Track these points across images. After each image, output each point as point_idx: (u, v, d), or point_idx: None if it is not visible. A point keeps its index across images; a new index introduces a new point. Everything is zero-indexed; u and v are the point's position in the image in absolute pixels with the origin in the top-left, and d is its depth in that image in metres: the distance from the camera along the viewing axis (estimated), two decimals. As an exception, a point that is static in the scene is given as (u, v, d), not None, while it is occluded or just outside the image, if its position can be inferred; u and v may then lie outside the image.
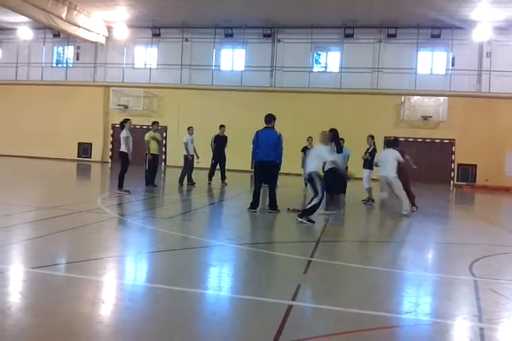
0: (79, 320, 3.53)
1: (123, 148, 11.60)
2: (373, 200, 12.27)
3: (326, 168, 9.83)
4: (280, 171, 10.85)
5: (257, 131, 9.72)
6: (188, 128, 14.84)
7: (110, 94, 24.61)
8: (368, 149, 12.31)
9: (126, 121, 11.90)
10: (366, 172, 12.18)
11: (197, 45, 24.41)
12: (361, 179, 12.16)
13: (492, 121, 21.32)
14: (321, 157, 8.87)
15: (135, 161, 14.20)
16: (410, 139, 22.18)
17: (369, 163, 12.05)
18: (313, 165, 8.78)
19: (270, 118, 9.73)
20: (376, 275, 5.26)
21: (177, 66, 24.36)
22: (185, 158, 14.52)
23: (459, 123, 21.50)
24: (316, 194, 8.62)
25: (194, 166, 14.93)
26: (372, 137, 12.45)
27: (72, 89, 25.02)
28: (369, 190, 12.27)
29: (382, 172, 10.53)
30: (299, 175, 15.99)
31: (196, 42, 24.42)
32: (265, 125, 9.72)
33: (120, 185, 11.44)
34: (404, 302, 4.41)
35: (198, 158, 14.81)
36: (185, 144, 14.48)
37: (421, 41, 22.35)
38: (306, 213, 8.59)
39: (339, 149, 9.68)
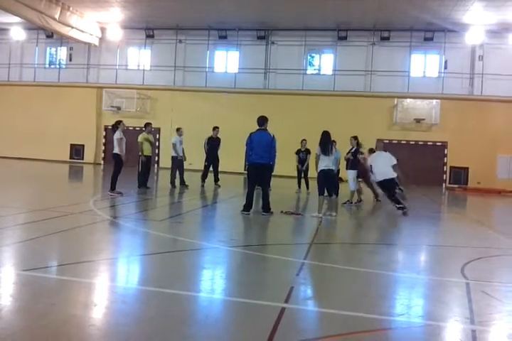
0: (71, 322, 3.50)
1: (116, 150, 11.56)
2: (360, 201, 12.29)
3: (318, 169, 9.85)
4: (273, 173, 10.85)
5: (251, 133, 9.71)
6: (177, 129, 14.78)
7: (103, 95, 24.55)
8: (350, 149, 12.31)
9: (119, 122, 11.86)
10: (351, 173, 12.15)
11: (191, 46, 24.41)
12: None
13: (484, 123, 21.48)
14: (393, 161, 10.79)
15: (127, 163, 14.18)
16: (403, 142, 22.32)
17: (351, 164, 12.09)
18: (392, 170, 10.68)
19: (263, 121, 9.73)
20: (369, 278, 5.27)
21: (170, 68, 24.34)
22: (173, 159, 14.47)
23: (451, 126, 21.64)
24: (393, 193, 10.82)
25: (186, 168, 14.89)
26: (355, 138, 12.43)
27: (64, 90, 24.94)
28: (357, 191, 12.26)
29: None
30: (293, 177, 16.01)
31: (190, 44, 24.42)
32: (258, 127, 9.72)
33: (113, 187, 11.39)
34: (396, 304, 4.42)
35: (185, 159, 14.73)
36: (174, 145, 14.42)
37: (414, 44, 22.49)
38: (398, 205, 10.51)
39: (326, 151, 9.73)
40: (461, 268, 5.70)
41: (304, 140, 15.22)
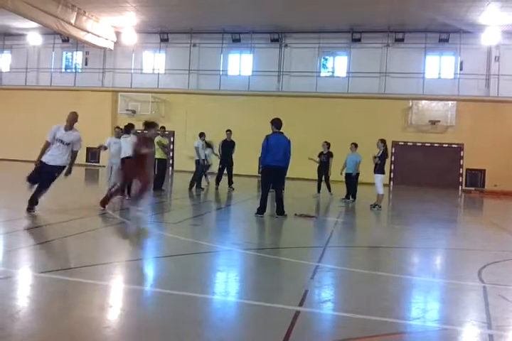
0: (86, 324, 3.53)
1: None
2: (380, 207, 12.15)
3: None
4: (287, 176, 10.84)
5: (267, 136, 9.65)
6: (201, 134, 14.92)
7: (118, 99, 24.78)
8: (377, 153, 12.12)
9: (132, 126, 11.98)
10: (378, 177, 12.00)
11: (204, 50, 24.53)
12: (372, 184, 12.12)
13: (501, 125, 21.22)
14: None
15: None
16: (418, 144, 22.15)
17: (379, 168, 11.93)
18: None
19: (280, 123, 9.68)
20: (384, 281, 5.23)
21: (185, 71, 24.48)
22: (197, 162, 14.57)
23: (467, 128, 21.41)
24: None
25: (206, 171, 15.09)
26: (381, 141, 12.27)
27: (80, 94, 25.21)
28: (382, 195, 12.10)
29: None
30: (306, 179, 15.95)
31: (204, 48, 24.54)
32: (275, 130, 9.66)
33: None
34: (412, 308, 4.38)
35: (208, 163, 14.91)
36: (196, 149, 14.54)
37: (429, 45, 22.32)
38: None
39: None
40: (478, 271, 5.63)
41: (326, 142, 14.98)
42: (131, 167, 9.31)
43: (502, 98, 21.30)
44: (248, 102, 23.28)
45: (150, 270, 5.53)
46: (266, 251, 6.48)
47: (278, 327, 3.61)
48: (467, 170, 21.98)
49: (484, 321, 3.94)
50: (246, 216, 9.82)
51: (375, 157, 11.97)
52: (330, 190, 14.55)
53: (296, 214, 9.80)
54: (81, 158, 25.32)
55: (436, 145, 22.12)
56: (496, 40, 21.00)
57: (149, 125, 9.72)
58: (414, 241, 8.36)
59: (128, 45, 24.78)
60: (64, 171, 8.58)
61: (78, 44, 25.03)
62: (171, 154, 23.21)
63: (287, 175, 10.82)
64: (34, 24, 21.52)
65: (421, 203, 15.02)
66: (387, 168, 13.09)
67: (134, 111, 24.45)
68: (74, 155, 8.52)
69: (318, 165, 14.81)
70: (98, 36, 23.11)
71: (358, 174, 13.44)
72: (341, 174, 13.76)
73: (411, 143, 22.18)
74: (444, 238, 8.74)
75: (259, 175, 11.26)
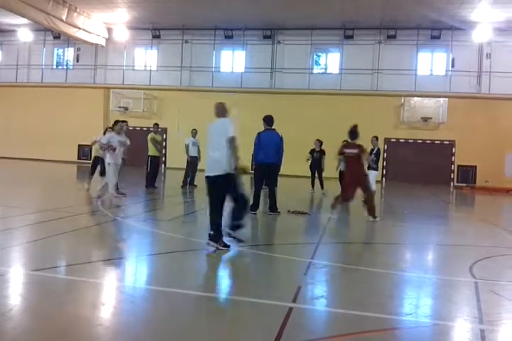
0: (79, 322, 3.53)
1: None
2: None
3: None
4: (280, 173, 10.84)
5: (259, 133, 9.68)
6: (192, 131, 14.85)
7: (110, 95, 24.65)
8: (371, 150, 12.19)
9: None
10: (372, 173, 12.01)
11: (197, 46, 24.45)
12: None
13: (492, 122, 21.35)
14: None
15: (135, 163, 14.13)
16: (410, 140, 22.24)
17: (373, 165, 12.01)
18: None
19: (272, 120, 9.69)
20: (377, 277, 5.26)
21: (177, 68, 24.39)
22: (187, 160, 14.52)
23: (459, 125, 21.51)
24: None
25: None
26: (376, 138, 12.40)
27: (72, 91, 25.06)
28: (374, 192, 12.11)
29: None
30: (297, 176, 15.98)
31: (196, 44, 24.46)
32: (267, 126, 9.68)
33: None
34: (404, 304, 4.41)
35: (199, 160, 14.71)
36: (186, 146, 14.48)
37: (421, 42, 22.38)
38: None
39: None
40: (470, 267, 5.68)
41: (318, 140, 15.06)
42: None
43: (493, 95, 21.42)
44: (241, 99, 23.23)
45: (143, 267, 5.52)
46: (259, 248, 6.49)
47: (271, 323, 3.62)
48: (459, 166, 22.11)
49: (476, 316, 3.97)
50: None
51: (370, 154, 12.00)
52: (322, 187, 14.67)
53: (289, 211, 9.81)
54: (73, 155, 25.26)
55: (428, 142, 22.23)
56: (488, 37, 21.10)
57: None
58: (406, 237, 8.40)
59: (120, 41, 24.64)
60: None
61: (69, 40, 24.85)
62: (164, 151, 23.14)
63: (280, 172, 10.81)
64: (25, 20, 21.33)
65: (413, 199, 15.10)
66: (379, 164, 13.16)
67: (126, 108, 24.34)
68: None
69: (310, 162, 14.92)
70: (89, 32, 22.95)
71: None
72: (336, 170, 13.82)
73: (403, 140, 22.27)
74: (436, 234, 8.79)
75: (252, 171, 11.26)
